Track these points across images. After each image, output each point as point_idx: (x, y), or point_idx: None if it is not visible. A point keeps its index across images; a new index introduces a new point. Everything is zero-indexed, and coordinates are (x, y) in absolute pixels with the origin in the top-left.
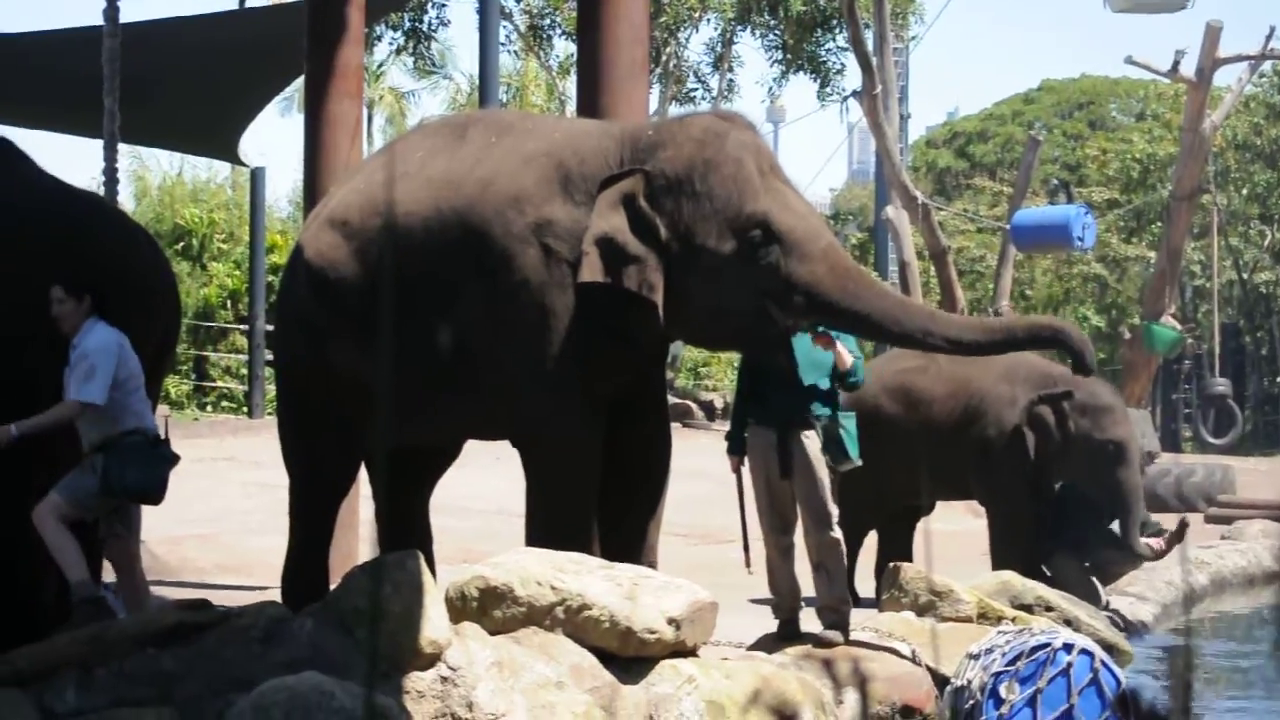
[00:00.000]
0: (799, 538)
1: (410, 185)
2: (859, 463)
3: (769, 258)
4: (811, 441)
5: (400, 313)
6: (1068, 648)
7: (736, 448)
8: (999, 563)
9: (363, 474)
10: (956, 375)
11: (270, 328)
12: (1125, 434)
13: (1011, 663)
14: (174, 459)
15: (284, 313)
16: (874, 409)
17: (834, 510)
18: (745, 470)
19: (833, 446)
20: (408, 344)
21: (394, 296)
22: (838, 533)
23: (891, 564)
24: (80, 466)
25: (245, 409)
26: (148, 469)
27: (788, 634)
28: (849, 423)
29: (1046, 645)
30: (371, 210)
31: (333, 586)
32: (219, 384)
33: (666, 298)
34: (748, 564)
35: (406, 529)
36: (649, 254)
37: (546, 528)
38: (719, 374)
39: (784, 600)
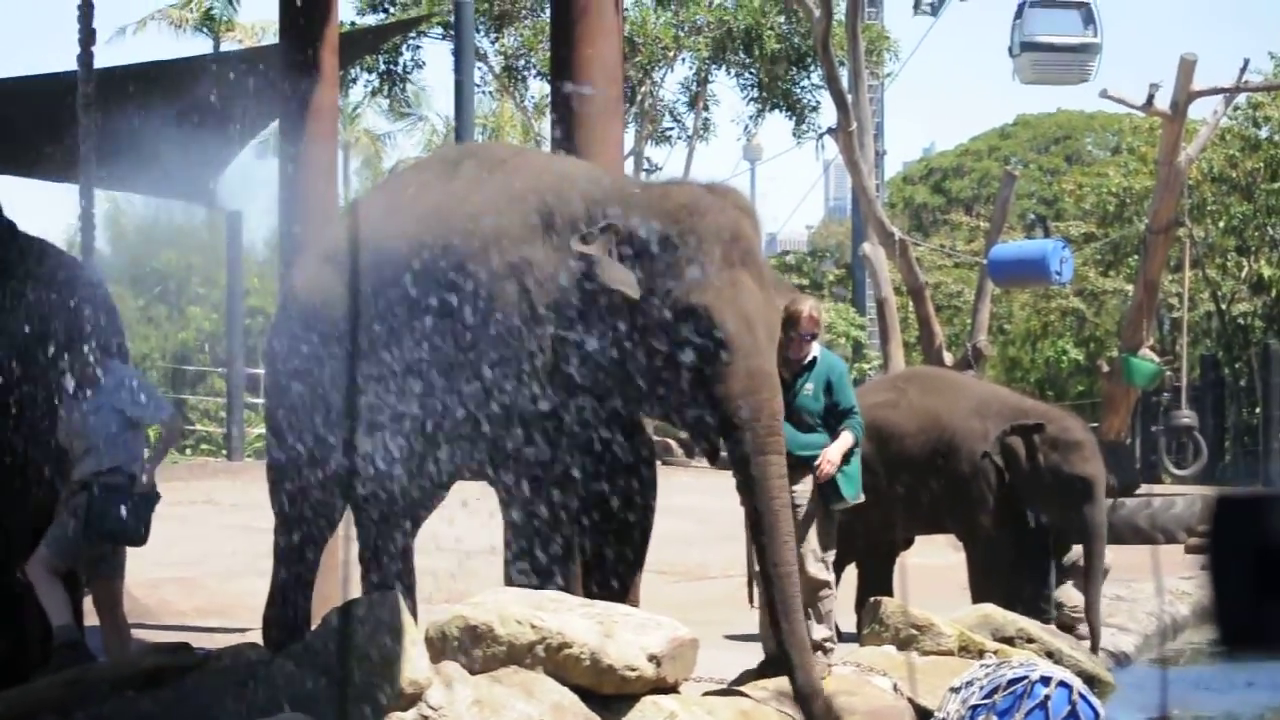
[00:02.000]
0: None
1: (401, 220)
2: (853, 502)
3: (697, 354)
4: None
5: (391, 348)
6: (1045, 680)
7: None
8: (979, 596)
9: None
10: (928, 409)
11: (250, 370)
12: (1095, 471)
13: (988, 695)
14: (155, 497)
15: (275, 350)
16: None
17: (823, 551)
18: None
19: (825, 486)
20: (398, 379)
21: (382, 334)
22: (824, 573)
23: (872, 598)
24: (60, 515)
25: (224, 451)
26: (130, 510)
27: (766, 674)
28: (851, 463)
29: (1024, 678)
30: (361, 245)
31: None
32: (198, 427)
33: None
34: (750, 599)
35: (392, 571)
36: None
37: (525, 569)
38: None
39: (766, 639)
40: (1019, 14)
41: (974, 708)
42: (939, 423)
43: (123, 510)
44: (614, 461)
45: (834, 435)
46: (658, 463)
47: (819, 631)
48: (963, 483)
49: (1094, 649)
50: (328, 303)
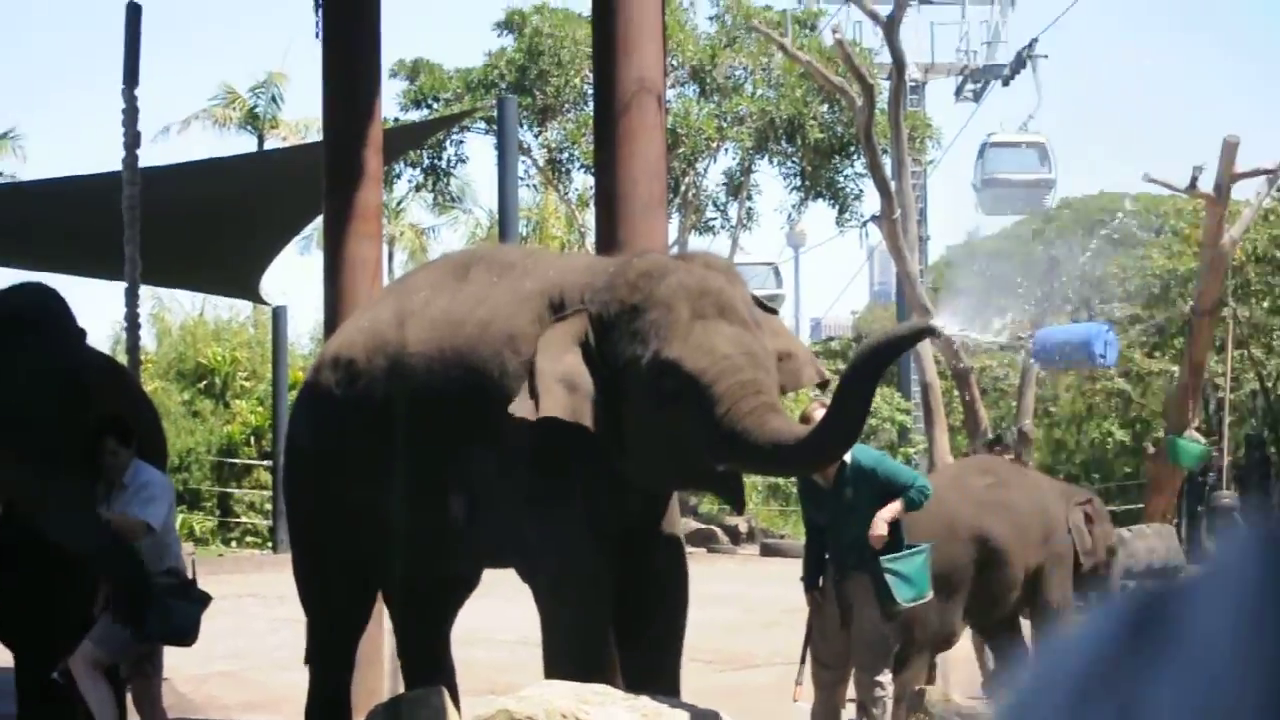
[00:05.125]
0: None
1: (415, 325)
2: (910, 605)
3: (680, 402)
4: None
5: (406, 449)
6: None
7: (812, 583)
8: None
9: (385, 608)
10: (1028, 491)
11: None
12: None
13: None
14: (206, 600)
15: (293, 451)
16: None
17: (883, 653)
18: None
19: (879, 590)
20: (414, 482)
21: (399, 435)
22: (885, 675)
23: (916, 687)
24: (110, 611)
25: (270, 544)
26: (182, 612)
27: None
28: (907, 562)
29: None
30: (376, 349)
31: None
32: (243, 519)
33: (611, 437)
34: (796, 696)
35: (429, 663)
36: (598, 395)
37: (561, 662)
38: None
39: None
40: (981, 153)
41: None
42: (1040, 504)
43: (178, 611)
44: (645, 551)
45: (900, 529)
46: (703, 550)
47: None
48: (1057, 560)
49: None
50: (341, 405)
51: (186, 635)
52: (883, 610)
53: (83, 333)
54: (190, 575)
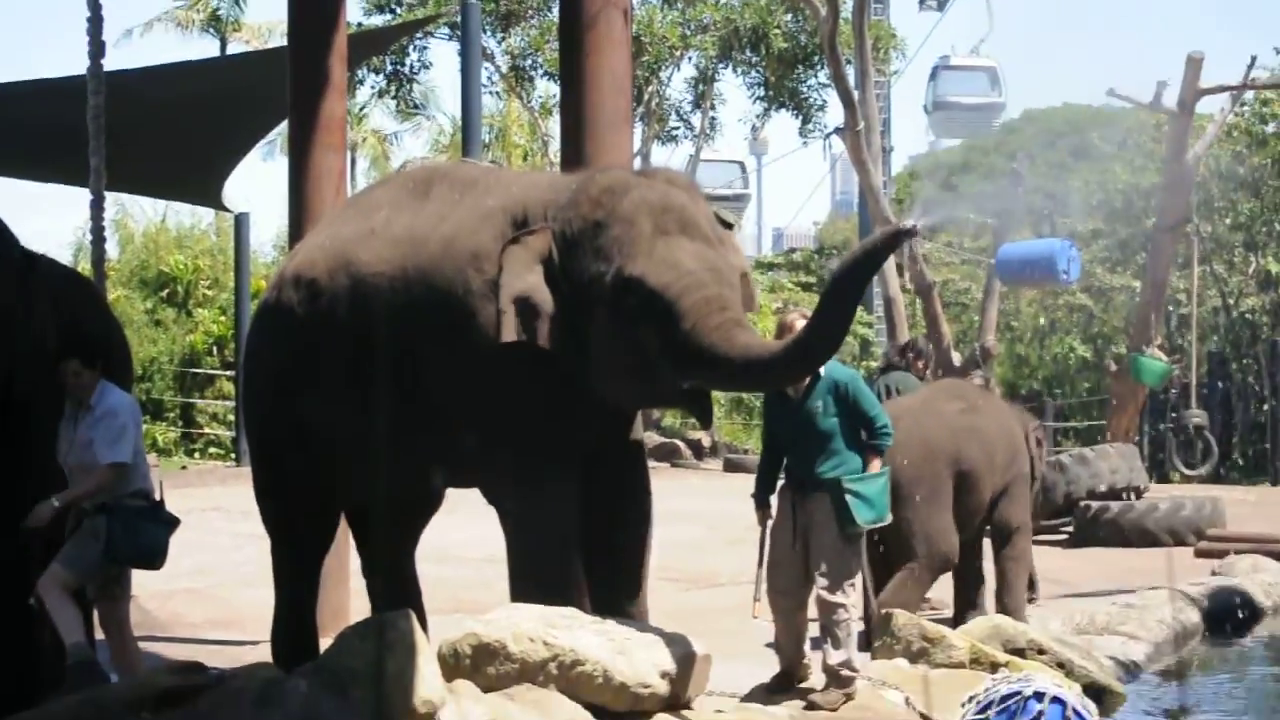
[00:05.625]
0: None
1: (376, 243)
2: (868, 528)
3: (644, 319)
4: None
5: (369, 370)
6: (1039, 696)
7: (762, 501)
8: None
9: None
10: (998, 414)
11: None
12: None
13: (981, 712)
14: (175, 523)
15: (251, 371)
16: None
17: (847, 574)
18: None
19: (839, 512)
20: (378, 400)
21: (363, 354)
22: (839, 595)
23: (883, 611)
24: (79, 534)
25: (233, 455)
26: (151, 535)
27: (782, 686)
28: (869, 484)
29: (1017, 694)
30: (338, 268)
31: (323, 641)
32: (206, 430)
33: (577, 354)
34: (755, 613)
35: (395, 583)
36: (559, 312)
37: (528, 581)
38: None
39: (782, 653)
40: (933, 76)
41: None
42: (1007, 428)
43: (143, 536)
44: (608, 467)
45: (862, 450)
46: (666, 465)
47: (835, 656)
48: (1021, 482)
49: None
50: (301, 325)
51: (155, 558)
52: (841, 531)
53: (28, 259)
54: (159, 496)
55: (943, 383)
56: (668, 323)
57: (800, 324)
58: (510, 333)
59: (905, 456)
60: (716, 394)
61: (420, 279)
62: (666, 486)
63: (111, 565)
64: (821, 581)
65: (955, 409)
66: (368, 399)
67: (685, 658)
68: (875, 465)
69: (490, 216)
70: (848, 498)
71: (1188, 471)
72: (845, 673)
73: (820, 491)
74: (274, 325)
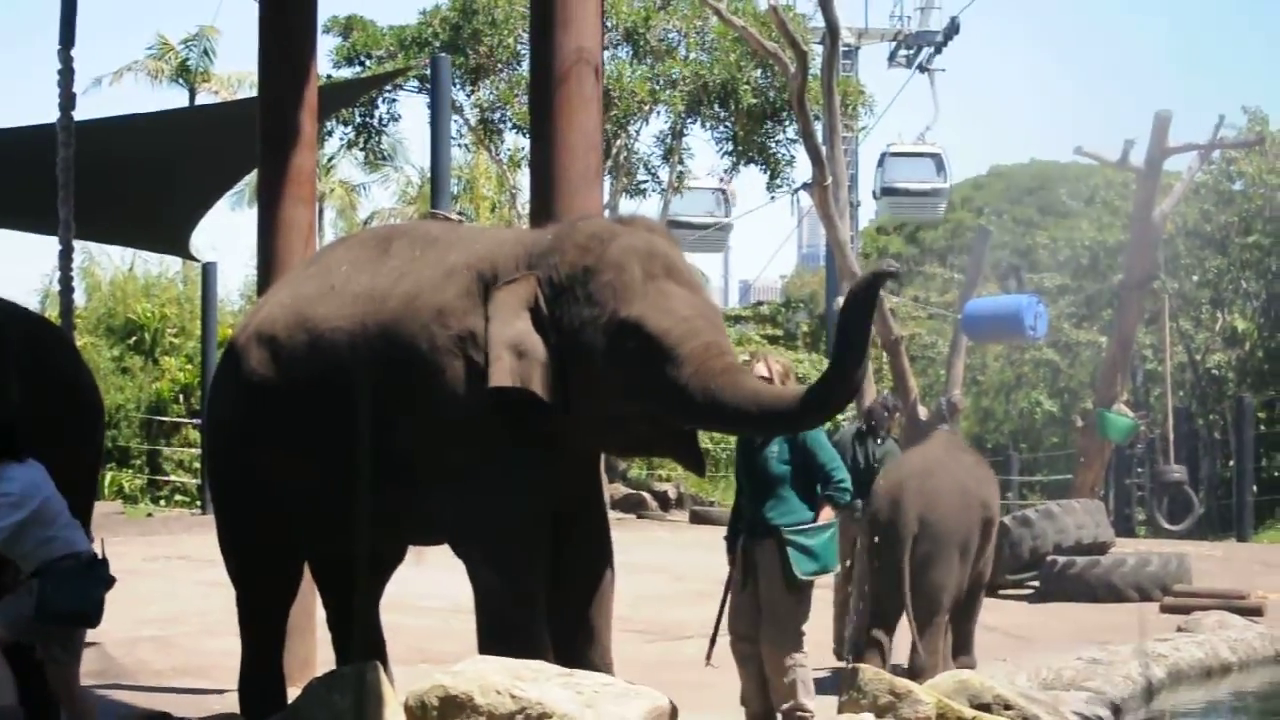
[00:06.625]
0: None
1: (335, 300)
2: (813, 579)
3: (643, 363)
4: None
5: (329, 425)
6: None
7: (733, 545)
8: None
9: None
10: (963, 465)
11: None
12: None
13: None
14: (110, 581)
15: (214, 423)
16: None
17: (793, 626)
18: None
19: (782, 563)
20: (338, 456)
21: (322, 409)
22: (795, 648)
23: (850, 664)
24: (18, 590)
25: (199, 503)
26: (82, 593)
27: None
28: (813, 535)
29: None
30: (297, 325)
31: (291, 690)
32: (172, 478)
33: (559, 401)
34: (708, 658)
35: (359, 636)
36: (549, 359)
37: (494, 637)
38: (672, 464)
39: (749, 706)
40: (880, 162)
41: None
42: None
43: (76, 594)
44: (572, 519)
45: (813, 501)
46: (632, 516)
47: (784, 705)
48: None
49: None
50: (263, 382)
51: (89, 616)
52: (784, 580)
53: None
54: (100, 555)
55: (941, 434)
56: (667, 368)
57: (761, 369)
58: (504, 377)
59: (945, 508)
60: None
61: (380, 335)
62: (633, 538)
63: (46, 623)
64: (768, 632)
65: (972, 460)
66: (328, 454)
67: (652, 711)
68: (826, 516)
69: (454, 273)
70: (789, 549)
71: (1171, 528)
72: (798, 714)
73: (768, 539)
74: (236, 380)
